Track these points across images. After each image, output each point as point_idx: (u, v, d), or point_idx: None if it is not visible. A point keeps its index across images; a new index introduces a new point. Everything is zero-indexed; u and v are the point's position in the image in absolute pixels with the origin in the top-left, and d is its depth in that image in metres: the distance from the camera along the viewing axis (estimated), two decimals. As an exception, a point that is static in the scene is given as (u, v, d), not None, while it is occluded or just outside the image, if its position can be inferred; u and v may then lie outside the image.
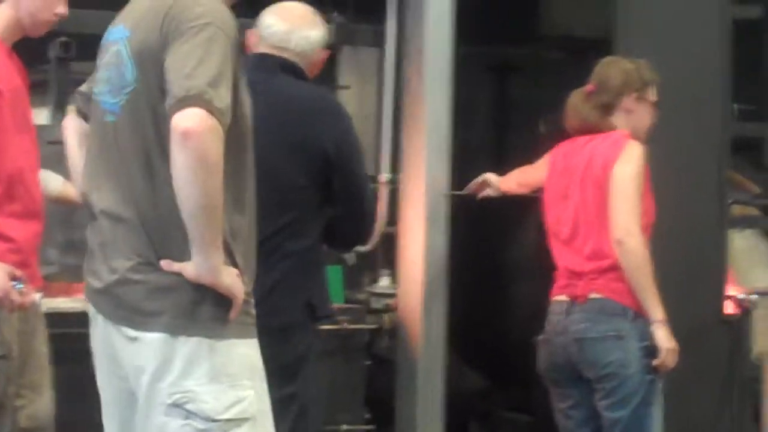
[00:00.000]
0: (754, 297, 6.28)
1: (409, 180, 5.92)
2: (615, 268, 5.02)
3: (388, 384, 5.99)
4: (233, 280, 3.30)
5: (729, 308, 6.31)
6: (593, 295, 5.06)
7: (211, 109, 3.18)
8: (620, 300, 5.04)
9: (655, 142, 5.31)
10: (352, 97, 6.43)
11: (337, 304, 5.72)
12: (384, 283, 6.08)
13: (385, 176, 6.08)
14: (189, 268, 3.25)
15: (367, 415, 5.88)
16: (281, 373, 4.06)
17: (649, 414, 5.10)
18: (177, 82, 3.22)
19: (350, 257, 6.18)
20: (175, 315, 3.29)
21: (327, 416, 5.65)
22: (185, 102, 3.17)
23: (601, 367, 5.04)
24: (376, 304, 6.00)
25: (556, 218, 5.23)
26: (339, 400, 5.75)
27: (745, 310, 6.33)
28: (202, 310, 3.30)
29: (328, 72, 6.15)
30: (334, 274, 5.86)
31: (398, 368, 5.94)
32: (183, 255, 3.27)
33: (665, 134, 5.56)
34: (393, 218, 6.00)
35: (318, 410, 4.63)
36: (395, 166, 6.03)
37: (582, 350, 5.05)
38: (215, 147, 3.18)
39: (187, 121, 3.15)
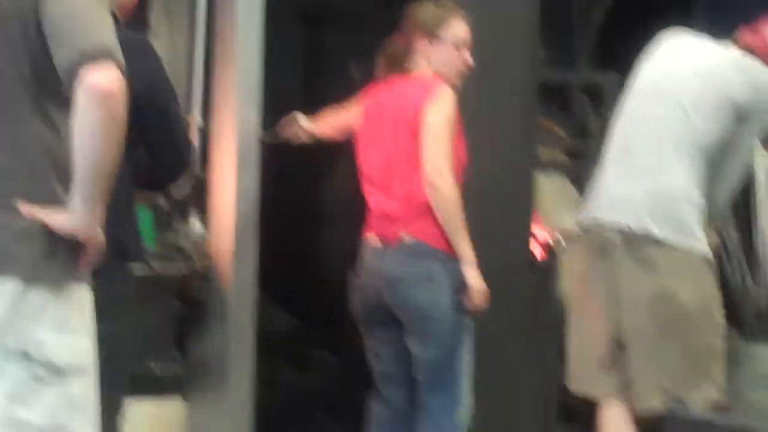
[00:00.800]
0: (560, 239, 6.36)
1: (219, 123, 5.89)
2: (426, 210, 5.11)
3: (199, 325, 5.97)
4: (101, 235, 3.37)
5: (536, 250, 6.40)
6: (405, 238, 5.16)
7: (121, 68, 3.22)
8: (431, 242, 5.14)
9: (466, 86, 5.39)
10: (163, 41, 6.37)
11: (148, 247, 5.71)
12: (195, 226, 6.03)
13: (197, 119, 5.99)
14: (60, 219, 3.29)
15: (178, 357, 5.85)
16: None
17: (457, 354, 5.22)
18: (80, 34, 3.23)
19: (163, 201, 6.15)
20: (30, 262, 3.29)
21: (138, 356, 5.59)
22: (96, 59, 3.19)
23: (411, 307, 5.15)
24: (188, 247, 5.94)
25: (369, 162, 5.35)
26: (149, 341, 5.67)
27: (552, 252, 6.46)
28: (57, 259, 3.34)
29: (138, 14, 6.10)
30: (144, 218, 5.74)
31: (209, 310, 5.91)
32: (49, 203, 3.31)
33: (476, 79, 5.60)
34: (203, 162, 5.96)
35: (128, 350, 4.64)
36: (206, 111, 5.98)
37: (393, 291, 5.15)
38: (124, 106, 3.25)
39: (105, 80, 3.21)
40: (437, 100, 5.12)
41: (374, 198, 5.28)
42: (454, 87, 5.23)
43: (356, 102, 5.50)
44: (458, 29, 5.27)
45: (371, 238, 5.26)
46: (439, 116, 5.09)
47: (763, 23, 5.59)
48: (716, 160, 5.41)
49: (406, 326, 5.17)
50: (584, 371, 5.44)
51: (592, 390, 5.44)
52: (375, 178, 5.27)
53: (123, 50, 4.24)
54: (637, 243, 5.28)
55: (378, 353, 5.32)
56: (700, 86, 5.36)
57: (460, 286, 5.13)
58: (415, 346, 5.17)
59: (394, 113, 5.20)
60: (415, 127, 5.12)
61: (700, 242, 5.30)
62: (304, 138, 5.68)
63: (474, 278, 5.13)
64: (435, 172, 5.06)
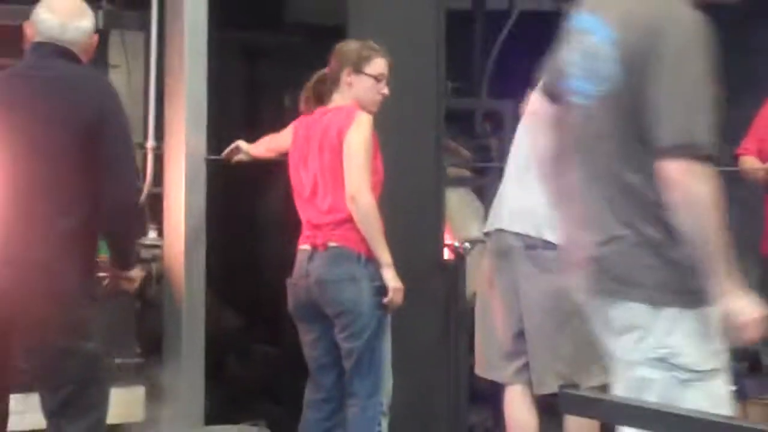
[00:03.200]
0: (467, 245, 6.40)
1: (171, 146, 5.91)
2: (349, 220, 5.11)
3: (157, 324, 5.97)
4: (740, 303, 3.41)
5: (446, 254, 6.37)
6: (331, 244, 5.15)
7: (697, 157, 3.24)
8: (354, 247, 5.13)
9: (383, 113, 5.40)
10: (121, 75, 6.38)
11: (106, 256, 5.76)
12: (152, 236, 6.04)
13: (151, 143, 5.99)
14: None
15: (138, 351, 5.82)
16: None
17: (379, 344, 5.22)
18: (667, 123, 3.29)
19: None
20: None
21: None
22: (675, 152, 3.25)
23: (338, 304, 5.14)
24: (145, 254, 5.93)
25: (299, 179, 5.31)
26: (113, 339, 5.53)
27: (460, 255, 6.42)
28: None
29: (99, 53, 6.07)
30: None
31: (165, 310, 5.94)
32: None
33: (392, 107, 5.59)
34: (158, 180, 5.95)
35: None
36: (159, 135, 5.98)
37: (322, 291, 5.14)
38: (701, 190, 3.27)
39: (673, 172, 3.26)
40: (356, 126, 5.13)
41: (304, 210, 5.26)
42: (372, 114, 5.25)
43: (289, 127, 5.49)
44: (380, 66, 5.29)
45: (303, 245, 5.25)
46: (358, 139, 5.11)
47: None
48: None
49: (333, 321, 5.18)
50: (490, 359, 5.42)
51: (497, 375, 5.42)
52: (304, 192, 5.25)
53: (77, 85, 4.29)
54: (534, 248, 5.24)
55: (312, 345, 5.30)
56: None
57: (380, 285, 5.14)
58: (341, 339, 5.17)
59: (319, 136, 5.21)
60: (338, 148, 5.13)
61: None
62: (245, 159, 5.73)
63: (391, 278, 5.14)
64: (355, 187, 5.08)
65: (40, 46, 4.36)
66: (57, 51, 4.34)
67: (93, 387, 4.39)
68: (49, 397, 4.36)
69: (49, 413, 4.37)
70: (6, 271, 4.21)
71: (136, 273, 4.68)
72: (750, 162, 6.10)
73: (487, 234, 5.51)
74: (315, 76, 5.35)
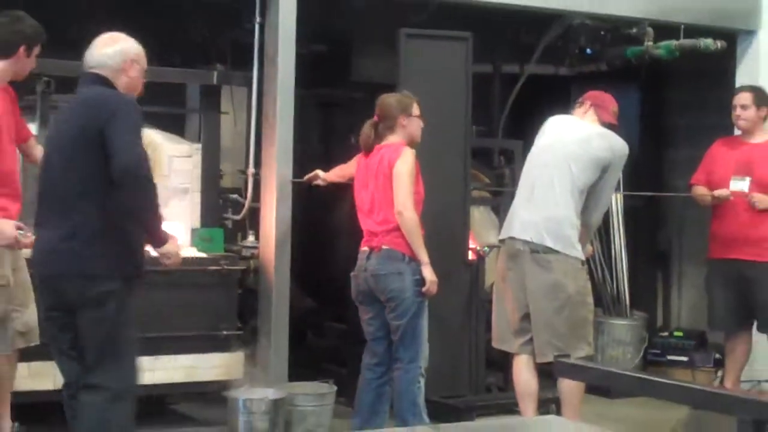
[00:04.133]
0: (486, 249, 6.39)
1: (266, 172, 5.90)
2: (397, 229, 5.09)
3: (253, 305, 5.97)
4: None
5: (470, 256, 6.34)
6: (384, 247, 5.13)
7: None
8: (400, 249, 5.11)
9: (424, 148, 5.41)
10: (229, 120, 6.44)
11: (220, 253, 5.78)
12: (251, 239, 6.05)
13: (251, 170, 6.03)
14: None
15: (239, 325, 5.82)
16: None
17: (419, 322, 5.18)
18: None
19: (228, 222, 6.18)
20: None
21: (212, 325, 5.66)
22: None
23: (388, 292, 5.13)
24: (246, 253, 5.98)
25: (361, 198, 5.28)
26: (221, 316, 5.71)
27: (480, 257, 6.40)
28: None
29: (213, 103, 6.12)
30: (217, 234, 5.88)
31: (259, 295, 5.94)
32: None
33: (431, 144, 5.65)
34: (256, 197, 5.97)
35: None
36: (258, 163, 5.99)
37: (376, 282, 5.13)
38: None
39: None
40: (403, 157, 5.11)
41: (364, 221, 5.24)
42: (416, 147, 5.23)
43: (354, 159, 5.49)
44: (418, 109, 5.28)
45: (363, 247, 5.23)
46: (404, 168, 5.08)
47: (608, 103, 5.45)
48: (590, 197, 5.32)
49: (385, 305, 5.16)
50: (503, 334, 5.40)
51: (508, 347, 5.40)
52: (364, 208, 5.24)
53: (100, 102, 3.92)
54: (537, 252, 5.22)
55: (369, 323, 5.29)
56: (578, 150, 5.26)
57: (419, 279, 5.12)
58: (390, 318, 5.17)
59: (376, 166, 5.18)
60: (389, 175, 5.11)
61: (578, 251, 5.24)
62: (322, 183, 5.74)
63: (429, 273, 5.11)
64: (401, 204, 5.06)
65: (82, 74, 4.10)
66: (90, 77, 4.04)
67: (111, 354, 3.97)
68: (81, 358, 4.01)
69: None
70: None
71: (171, 248, 4.06)
72: (700, 190, 6.09)
73: (501, 241, 5.47)
74: (368, 123, 5.29)
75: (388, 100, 5.31)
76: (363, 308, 5.30)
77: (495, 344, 5.54)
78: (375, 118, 5.30)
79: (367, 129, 5.29)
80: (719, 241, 6.02)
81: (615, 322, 7.34)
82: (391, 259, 5.13)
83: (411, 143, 5.26)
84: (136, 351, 4.09)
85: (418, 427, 2.30)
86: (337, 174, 5.70)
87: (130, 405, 4.03)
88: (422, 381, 5.23)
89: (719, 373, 6.82)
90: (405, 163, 5.10)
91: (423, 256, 5.11)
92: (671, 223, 8.25)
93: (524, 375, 5.38)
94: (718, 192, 5.94)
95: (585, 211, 5.33)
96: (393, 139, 5.24)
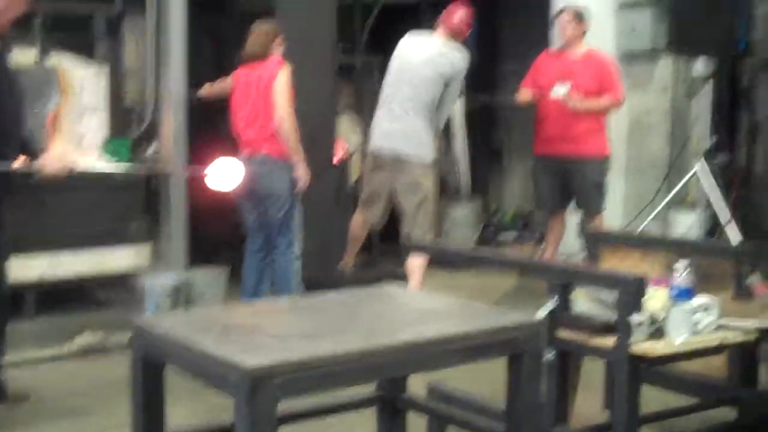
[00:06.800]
0: (351, 149, 6.62)
1: (164, 90, 5.79)
2: (273, 136, 5.10)
3: (157, 205, 5.98)
4: None
5: (337, 156, 6.46)
6: (262, 152, 5.17)
7: None
8: (275, 155, 5.13)
9: (298, 65, 5.37)
10: (132, 43, 6.15)
11: (126, 162, 5.73)
12: (153, 148, 6.05)
13: (152, 88, 6.01)
14: None
15: (145, 222, 5.81)
16: None
17: (292, 214, 5.26)
18: None
19: (133, 134, 6.10)
20: None
21: (122, 223, 5.69)
22: None
23: (265, 191, 5.18)
24: (148, 161, 5.99)
25: (241, 111, 5.24)
26: (129, 217, 5.75)
27: (347, 156, 6.58)
28: None
29: (117, 31, 5.96)
30: (124, 145, 5.84)
31: (161, 196, 5.94)
32: None
33: (303, 61, 5.64)
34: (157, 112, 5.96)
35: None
36: (157, 82, 5.89)
37: (255, 183, 5.11)
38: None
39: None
40: (282, 71, 5.11)
41: (244, 132, 5.22)
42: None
43: (230, 77, 5.41)
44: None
45: (243, 154, 5.19)
46: (284, 79, 5.08)
47: (452, 10, 5.53)
48: (437, 106, 5.47)
49: (265, 201, 5.19)
50: (370, 210, 5.64)
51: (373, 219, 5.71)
52: (244, 120, 5.21)
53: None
54: (398, 158, 5.44)
55: (249, 217, 5.34)
56: (424, 70, 5.43)
57: (293, 177, 5.16)
58: (269, 213, 5.22)
59: (256, 81, 5.14)
60: (269, 87, 5.09)
61: (430, 155, 5.47)
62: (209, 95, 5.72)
63: (302, 172, 5.17)
64: (283, 112, 5.06)
65: None
66: None
67: None
68: None
69: None
70: None
71: (44, 162, 3.76)
72: (524, 93, 6.21)
73: (369, 149, 5.64)
74: (251, 38, 5.26)
75: (264, 26, 5.34)
76: (245, 205, 5.33)
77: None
78: (254, 36, 5.28)
79: (250, 42, 5.29)
80: (542, 138, 6.15)
81: (456, 207, 7.54)
82: (269, 162, 5.14)
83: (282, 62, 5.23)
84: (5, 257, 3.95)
85: (281, 298, 2.64)
86: (217, 89, 5.62)
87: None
88: (298, 263, 5.31)
89: (542, 247, 6.94)
90: (285, 76, 5.10)
91: (299, 156, 5.15)
92: (502, 124, 8.43)
93: (357, 225, 5.75)
94: (529, 97, 6.11)
95: (433, 118, 5.52)
96: (271, 56, 5.22)
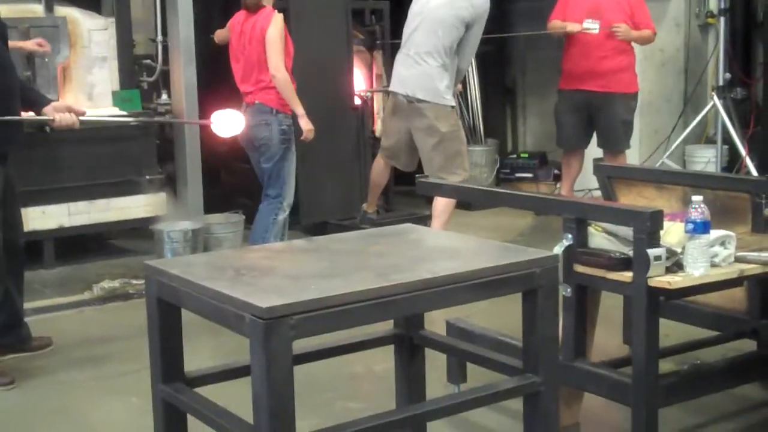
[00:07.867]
0: (368, 94, 6.50)
1: (172, 39, 5.85)
2: (268, 86, 5.04)
3: (171, 153, 6.04)
4: None
5: (356, 101, 6.39)
6: (256, 101, 5.10)
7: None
8: (269, 104, 5.06)
9: (312, 11, 5.58)
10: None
11: (138, 110, 5.78)
12: (164, 97, 6.12)
13: (160, 38, 6.04)
14: None
15: (159, 170, 5.89)
16: None
17: (284, 165, 5.14)
18: None
19: (144, 84, 6.17)
20: None
21: (137, 171, 5.74)
22: None
23: (257, 140, 5.12)
24: (161, 109, 6.05)
25: (237, 64, 5.19)
26: (144, 165, 5.80)
27: (365, 101, 6.51)
28: None
29: None
30: (134, 94, 5.87)
31: (175, 144, 6.01)
32: None
33: (317, 7, 5.76)
34: (166, 61, 6.01)
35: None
36: (165, 32, 5.95)
37: (250, 132, 4.99)
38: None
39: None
40: (273, 23, 5.01)
41: (241, 84, 5.18)
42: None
43: (229, 23, 5.32)
44: None
45: (243, 104, 5.15)
46: (275, 32, 4.99)
47: None
48: (460, 47, 5.39)
49: (258, 150, 5.15)
50: (396, 159, 5.68)
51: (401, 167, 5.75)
52: (241, 70, 5.15)
53: None
54: (414, 103, 5.40)
55: (255, 165, 5.29)
56: (443, 14, 5.35)
57: (286, 128, 5.07)
58: (261, 161, 5.16)
59: (250, 32, 5.08)
60: (262, 39, 5.02)
61: (448, 100, 5.40)
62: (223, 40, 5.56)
63: (305, 123, 5.10)
64: (274, 67, 4.98)
65: None
66: None
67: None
68: None
69: None
70: None
71: (54, 115, 3.70)
72: (558, 23, 6.11)
73: (388, 93, 5.66)
74: None
75: None
76: (249, 154, 5.32)
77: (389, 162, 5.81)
78: None
79: None
80: (570, 74, 6.06)
81: (472, 148, 7.43)
82: (261, 112, 5.08)
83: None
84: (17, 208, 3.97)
85: (296, 241, 2.61)
86: (226, 34, 5.44)
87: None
88: (283, 215, 5.21)
89: (558, 185, 7.00)
90: (275, 28, 5.02)
91: (298, 108, 5.09)
92: (516, 64, 8.34)
93: (378, 169, 5.80)
94: (570, 26, 5.99)
95: (453, 63, 5.46)
96: (263, 8, 5.14)
